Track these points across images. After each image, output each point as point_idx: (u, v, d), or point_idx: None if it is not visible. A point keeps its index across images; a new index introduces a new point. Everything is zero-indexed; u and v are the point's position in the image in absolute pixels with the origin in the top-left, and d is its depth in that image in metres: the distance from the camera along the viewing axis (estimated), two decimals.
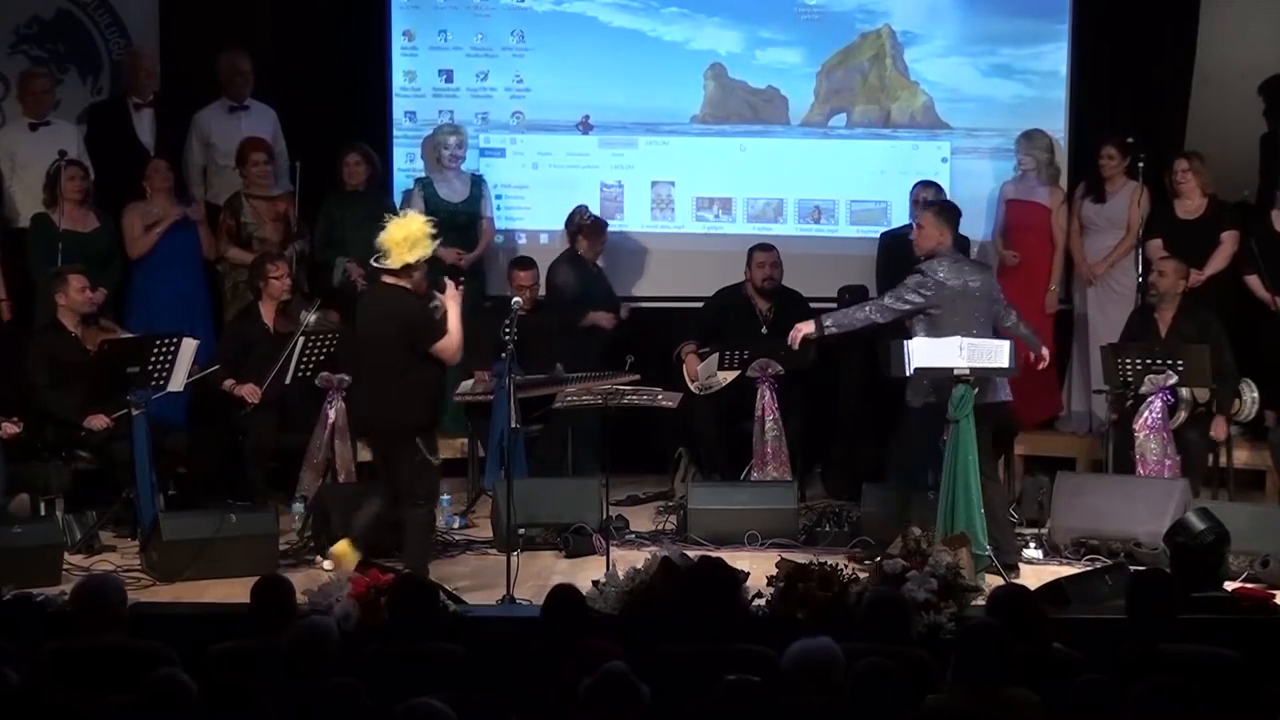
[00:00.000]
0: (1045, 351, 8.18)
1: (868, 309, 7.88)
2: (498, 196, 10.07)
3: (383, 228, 7.16)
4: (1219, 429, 8.70)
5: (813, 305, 9.80)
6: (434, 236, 7.35)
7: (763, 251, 9.50)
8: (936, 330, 7.68)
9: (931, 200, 8.04)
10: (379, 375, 7.37)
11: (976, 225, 10.12)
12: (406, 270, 7.29)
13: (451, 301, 7.37)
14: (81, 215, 9.16)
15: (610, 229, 10.07)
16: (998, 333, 7.86)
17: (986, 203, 10.15)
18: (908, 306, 7.73)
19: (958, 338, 7.72)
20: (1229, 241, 9.46)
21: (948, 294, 7.70)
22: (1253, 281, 9.34)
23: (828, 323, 7.90)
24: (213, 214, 9.65)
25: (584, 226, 9.70)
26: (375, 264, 7.40)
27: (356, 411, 8.03)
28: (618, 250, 10.18)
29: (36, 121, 9.50)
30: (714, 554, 6.94)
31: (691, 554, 7.20)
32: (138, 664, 5.24)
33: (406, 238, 7.27)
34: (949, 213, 7.99)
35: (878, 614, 5.85)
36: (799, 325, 8.00)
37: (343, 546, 7.38)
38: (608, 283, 9.82)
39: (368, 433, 7.90)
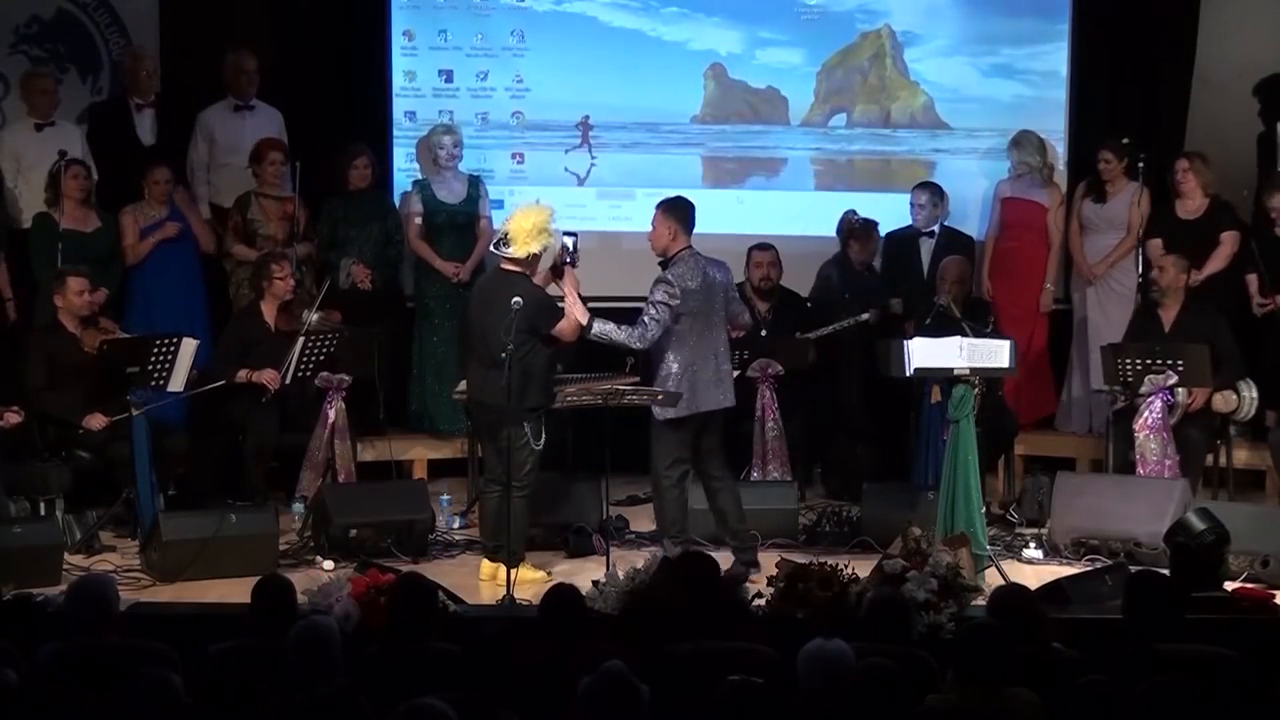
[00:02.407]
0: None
1: (630, 332, 7.57)
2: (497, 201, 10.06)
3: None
4: (1198, 399, 8.59)
5: (812, 305, 9.82)
6: (555, 232, 7.52)
7: (760, 251, 9.49)
8: (683, 335, 7.57)
9: (665, 199, 7.88)
10: (497, 358, 7.38)
11: (977, 224, 10.16)
12: (531, 259, 7.46)
13: (569, 285, 7.52)
14: (83, 215, 9.15)
15: (608, 229, 10.06)
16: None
17: (986, 202, 10.17)
18: (663, 321, 7.53)
19: (957, 337, 7.74)
20: (1228, 242, 9.46)
21: (693, 297, 7.58)
22: (1250, 280, 9.35)
23: (594, 329, 7.60)
24: (215, 212, 9.65)
25: (855, 231, 9.64)
26: (495, 250, 7.60)
27: (471, 394, 7.92)
28: (617, 250, 10.18)
29: (42, 122, 9.48)
30: (714, 553, 6.94)
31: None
32: (138, 664, 5.24)
33: (534, 226, 7.43)
34: (680, 210, 7.70)
35: (879, 614, 5.85)
36: (577, 310, 7.62)
37: (525, 573, 7.49)
38: (877, 282, 9.72)
39: (481, 415, 7.84)
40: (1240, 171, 9.89)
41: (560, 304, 7.59)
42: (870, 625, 5.78)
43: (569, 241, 7.63)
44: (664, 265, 7.71)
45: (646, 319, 7.57)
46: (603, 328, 7.63)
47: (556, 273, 7.65)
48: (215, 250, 9.57)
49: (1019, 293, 9.89)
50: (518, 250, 7.45)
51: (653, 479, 7.79)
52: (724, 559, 7.53)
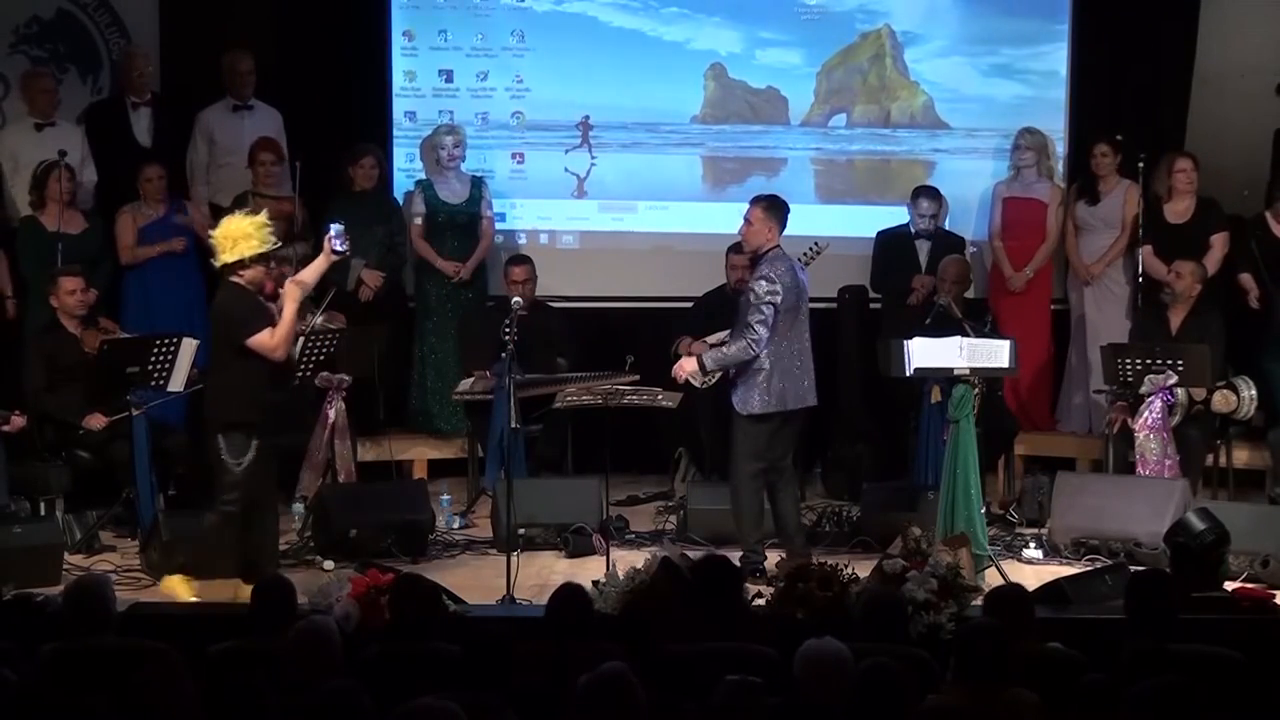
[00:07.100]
0: None
1: (741, 344, 7.60)
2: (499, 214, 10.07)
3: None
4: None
5: (812, 305, 9.79)
6: (268, 239, 7.16)
7: (735, 254, 9.41)
8: (774, 332, 7.58)
9: (761, 196, 7.92)
10: (209, 369, 7.39)
11: (979, 225, 10.15)
12: (230, 268, 7.13)
13: (289, 300, 7.20)
14: (70, 217, 9.12)
15: (607, 229, 10.03)
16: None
17: (985, 202, 10.15)
18: (769, 319, 7.57)
19: (957, 337, 7.74)
20: (1219, 244, 9.45)
21: (788, 294, 7.61)
22: (1245, 280, 9.34)
23: (709, 365, 7.66)
24: (214, 212, 9.65)
25: None
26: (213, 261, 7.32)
27: None
28: (616, 250, 10.19)
29: (42, 122, 9.47)
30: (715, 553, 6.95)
31: (692, 554, 7.20)
32: (138, 664, 5.24)
33: (227, 235, 7.13)
34: (779, 209, 7.77)
35: (873, 613, 5.84)
36: (685, 363, 7.77)
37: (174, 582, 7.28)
38: None
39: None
40: (1240, 171, 9.89)
41: (270, 316, 7.21)
42: (864, 625, 5.77)
43: (335, 228, 7.29)
44: (754, 261, 7.76)
45: (754, 323, 7.57)
46: (717, 356, 7.65)
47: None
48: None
49: (1025, 291, 9.86)
50: (224, 257, 7.12)
51: (732, 477, 7.77)
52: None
